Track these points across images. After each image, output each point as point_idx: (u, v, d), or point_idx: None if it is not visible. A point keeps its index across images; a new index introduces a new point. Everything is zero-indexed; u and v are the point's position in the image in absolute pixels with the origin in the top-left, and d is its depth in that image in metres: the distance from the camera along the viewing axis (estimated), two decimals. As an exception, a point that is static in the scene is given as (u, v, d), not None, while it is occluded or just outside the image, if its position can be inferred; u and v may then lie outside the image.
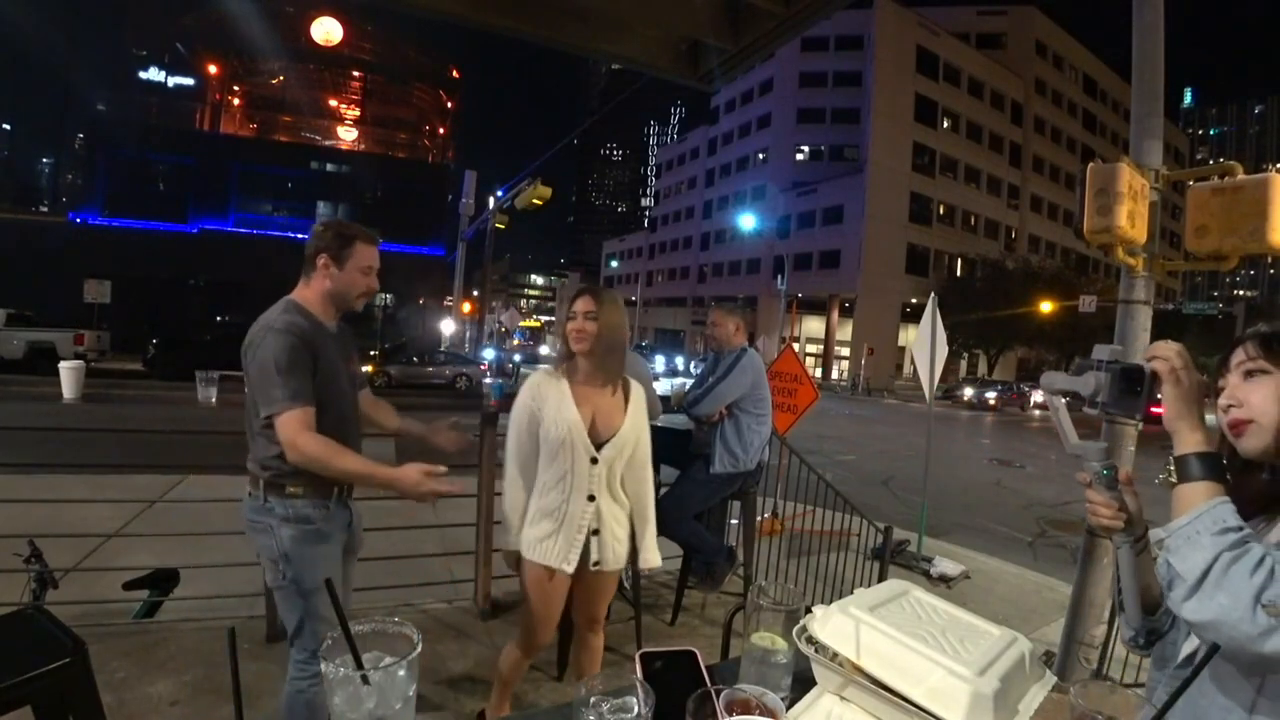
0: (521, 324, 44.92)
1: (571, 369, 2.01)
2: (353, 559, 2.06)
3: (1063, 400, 1.01)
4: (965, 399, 30.17)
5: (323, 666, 0.68)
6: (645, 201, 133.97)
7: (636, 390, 2.09)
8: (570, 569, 1.97)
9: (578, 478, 1.95)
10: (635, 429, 2.04)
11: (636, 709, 0.68)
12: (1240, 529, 0.78)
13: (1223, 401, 0.90)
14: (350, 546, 1.99)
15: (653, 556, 2.19)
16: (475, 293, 26.36)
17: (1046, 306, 26.35)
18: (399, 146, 32.63)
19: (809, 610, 0.93)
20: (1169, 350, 0.91)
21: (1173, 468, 0.88)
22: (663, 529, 3.33)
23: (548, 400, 1.96)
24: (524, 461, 2.01)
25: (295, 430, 1.69)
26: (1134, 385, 0.93)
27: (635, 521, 2.11)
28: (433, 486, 1.70)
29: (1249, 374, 0.88)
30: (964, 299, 33.75)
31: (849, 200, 40.19)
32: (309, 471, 1.74)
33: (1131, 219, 2.30)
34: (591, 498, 1.96)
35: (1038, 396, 32.13)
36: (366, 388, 2.17)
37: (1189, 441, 0.87)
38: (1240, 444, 0.88)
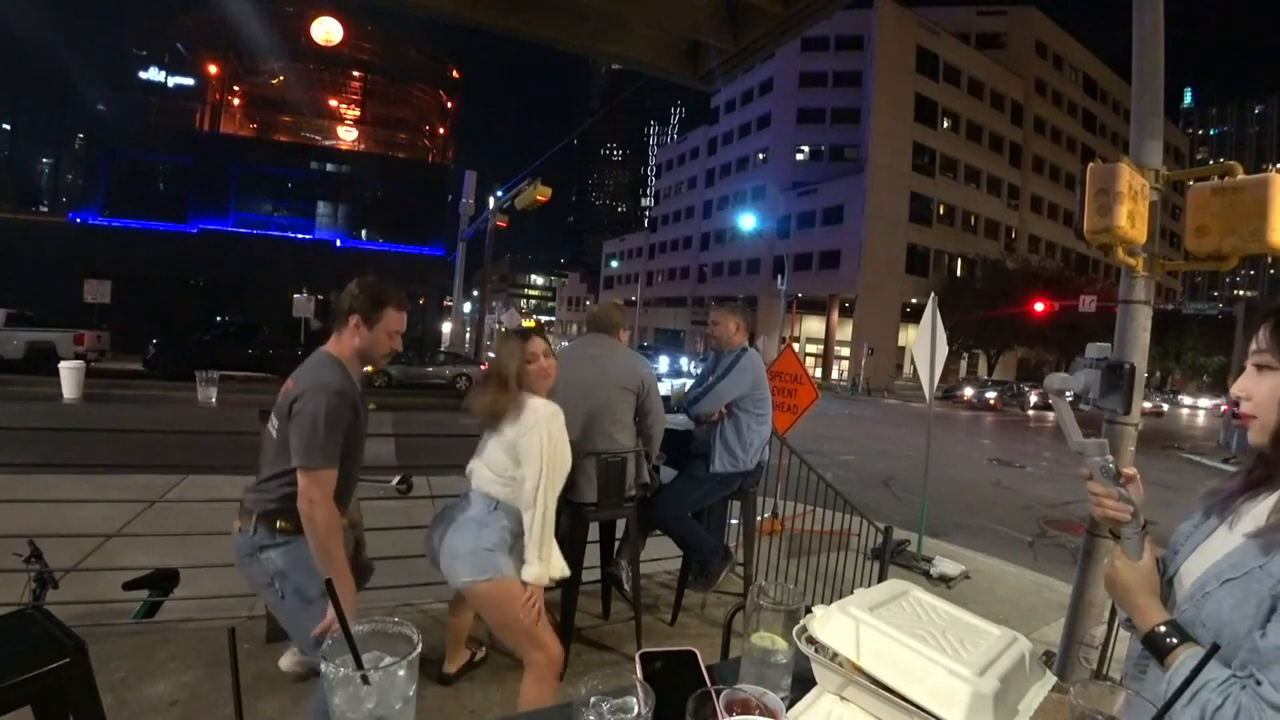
0: (521, 324, 44.84)
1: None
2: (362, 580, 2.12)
3: (1066, 399, 1.02)
4: (965, 399, 30.19)
5: (323, 666, 0.68)
6: (645, 201, 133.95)
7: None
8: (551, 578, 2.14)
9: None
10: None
11: (636, 709, 0.68)
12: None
13: (1235, 391, 0.92)
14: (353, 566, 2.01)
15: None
16: (475, 292, 26.39)
17: (1046, 307, 26.32)
18: (399, 146, 32.57)
19: (809, 610, 0.93)
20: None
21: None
22: (661, 526, 3.34)
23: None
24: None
25: (320, 493, 1.80)
26: (1118, 381, 0.97)
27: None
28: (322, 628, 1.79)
29: (1259, 368, 0.89)
30: (964, 299, 33.78)
31: (849, 200, 40.20)
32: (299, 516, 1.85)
33: (1131, 219, 2.30)
34: None
35: (1036, 397, 32.20)
36: None
37: (1147, 619, 0.90)
38: (1249, 435, 0.92)
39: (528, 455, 2.01)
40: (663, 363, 32.52)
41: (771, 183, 45.76)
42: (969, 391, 30.87)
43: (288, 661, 2.61)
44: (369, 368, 2.11)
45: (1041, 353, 41.34)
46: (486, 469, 2.10)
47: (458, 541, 2.04)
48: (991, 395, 30.11)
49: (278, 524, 1.87)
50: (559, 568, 2.07)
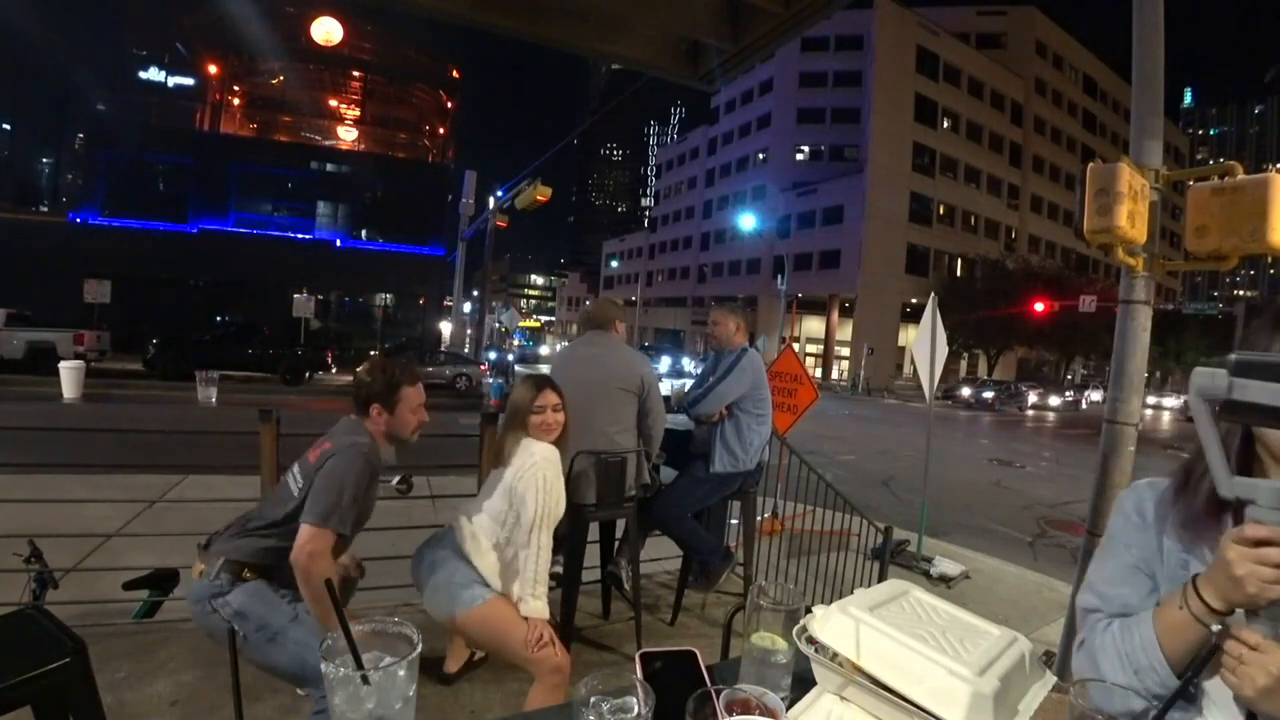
0: (521, 324, 44.92)
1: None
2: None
3: (1213, 411, 0.73)
4: (962, 398, 30.18)
5: (323, 666, 0.68)
6: (645, 201, 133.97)
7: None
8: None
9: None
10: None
11: (636, 709, 0.68)
12: None
13: None
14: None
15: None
16: (475, 292, 26.38)
17: (1046, 307, 26.35)
18: (399, 146, 32.59)
19: (809, 610, 0.93)
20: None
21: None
22: (661, 526, 3.33)
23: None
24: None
25: (321, 548, 1.79)
26: None
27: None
28: None
29: None
30: (964, 299, 33.76)
31: (849, 200, 40.20)
32: (273, 570, 1.85)
33: (1131, 219, 2.30)
34: None
35: (1035, 396, 32.21)
36: None
37: None
38: None
39: (524, 495, 2.05)
40: (664, 363, 32.48)
41: (771, 183, 45.75)
42: (966, 391, 30.83)
43: None
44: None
45: (1041, 353, 41.33)
46: (486, 515, 2.12)
47: (440, 577, 2.06)
48: (989, 395, 30.10)
49: (244, 573, 1.83)
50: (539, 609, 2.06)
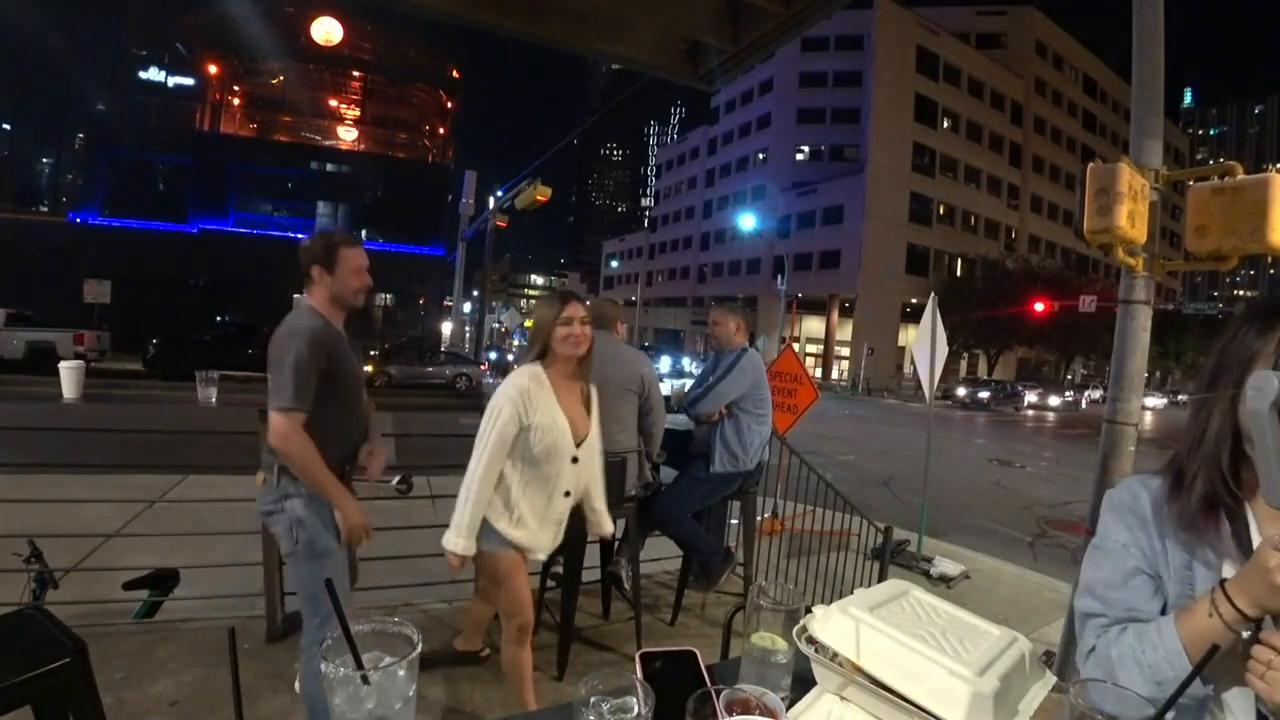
0: (521, 324, 44.89)
1: (555, 372, 2.05)
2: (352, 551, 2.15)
3: (1274, 416, 0.69)
4: (959, 398, 30.17)
5: (323, 666, 0.68)
6: (645, 201, 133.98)
7: (593, 391, 2.20)
8: (544, 556, 2.14)
9: (560, 478, 2.05)
10: (597, 428, 2.19)
11: (636, 709, 0.68)
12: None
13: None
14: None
15: (606, 523, 2.29)
16: (475, 292, 26.38)
17: (1046, 307, 26.36)
18: (399, 146, 32.59)
19: (809, 610, 0.93)
20: None
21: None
22: (661, 526, 3.33)
23: (539, 406, 1.98)
24: (498, 461, 1.99)
25: (289, 428, 1.88)
26: None
27: (589, 496, 2.21)
28: (361, 538, 2.03)
29: None
30: (964, 299, 33.77)
31: (849, 200, 40.20)
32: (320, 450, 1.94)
33: (1131, 219, 2.30)
34: (567, 493, 2.09)
35: (1032, 397, 32.20)
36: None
37: None
38: None
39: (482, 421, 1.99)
40: (664, 363, 32.38)
41: (771, 183, 45.76)
42: (962, 391, 30.78)
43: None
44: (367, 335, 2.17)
45: (1041, 353, 41.32)
46: None
47: None
48: (985, 395, 30.07)
49: (295, 476, 1.96)
50: (543, 547, 2.09)
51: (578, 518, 2.87)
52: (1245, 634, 0.73)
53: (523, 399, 1.96)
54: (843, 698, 0.87)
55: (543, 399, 1.99)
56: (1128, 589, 0.89)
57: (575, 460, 2.06)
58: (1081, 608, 0.94)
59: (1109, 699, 0.74)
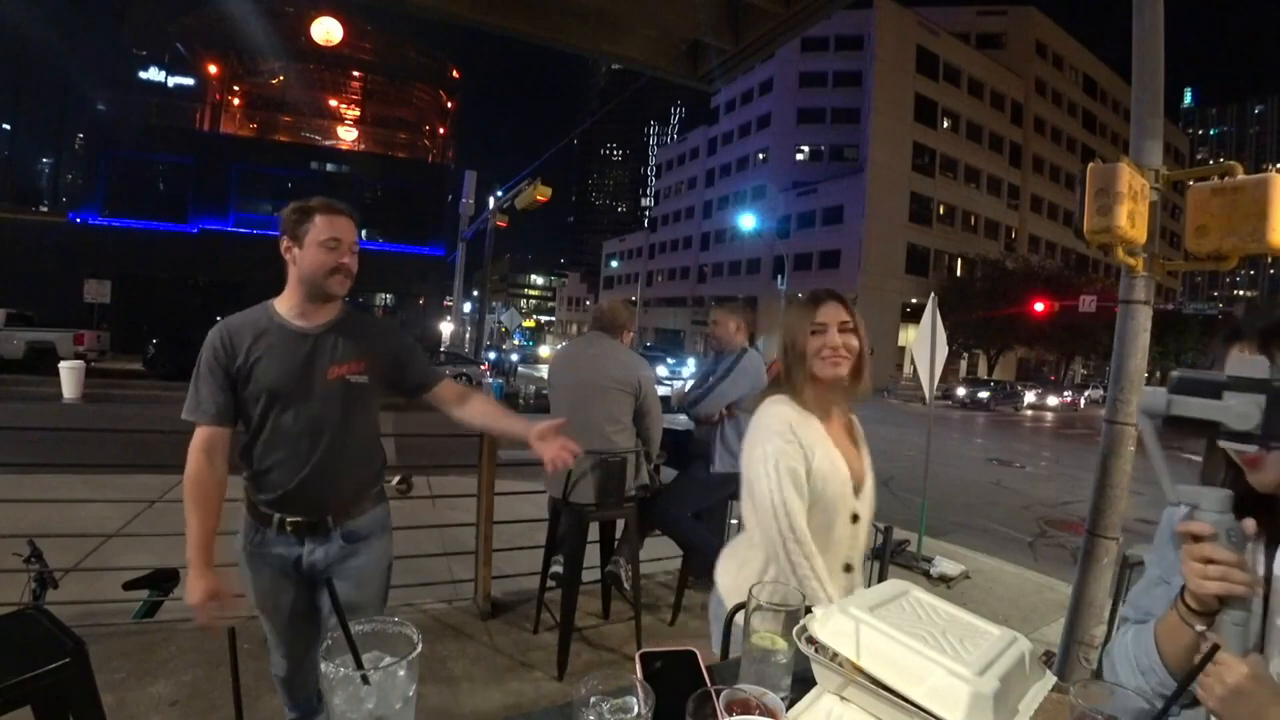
0: (521, 324, 44.93)
1: (812, 401, 1.48)
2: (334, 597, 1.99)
3: (1156, 426, 0.79)
4: (958, 398, 30.16)
5: (322, 666, 0.68)
6: (645, 201, 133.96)
7: (857, 422, 1.65)
8: None
9: (839, 545, 1.51)
10: (872, 477, 1.58)
11: (636, 709, 0.68)
12: None
13: None
14: (346, 574, 1.71)
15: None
16: (475, 292, 26.37)
17: (1046, 307, 26.34)
18: (399, 146, 32.58)
19: (809, 610, 0.93)
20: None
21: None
22: (661, 526, 3.34)
23: (814, 445, 1.43)
24: (801, 504, 1.42)
25: (195, 444, 1.62)
26: None
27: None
28: (206, 620, 1.60)
29: None
30: (964, 299, 33.76)
31: (849, 200, 40.20)
32: (249, 486, 1.70)
33: (1131, 219, 2.30)
34: (849, 567, 1.56)
35: (1032, 396, 32.18)
36: (445, 380, 1.85)
37: None
38: (1252, 478, 0.80)
39: (751, 481, 1.53)
40: (665, 364, 32.13)
41: (771, 183, 45.76)
42: (961, 391, 30.75)
43: None
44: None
45: (1041, 353, 41.30)
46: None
47: None
48: (983, 394, 30.04)
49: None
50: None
51: (576, 520, 2.88)
52: (1199, 628, 0.79)
53: (791, 430, 1.42)
54: (843, 698, 0.87)
55: (813, 434, 1.44)
56: (1149, 596, 0.99)
57: (855, 518, 1.52)
58: (1119, 613, 1.10)
59: (1110, 699, 0.74)
